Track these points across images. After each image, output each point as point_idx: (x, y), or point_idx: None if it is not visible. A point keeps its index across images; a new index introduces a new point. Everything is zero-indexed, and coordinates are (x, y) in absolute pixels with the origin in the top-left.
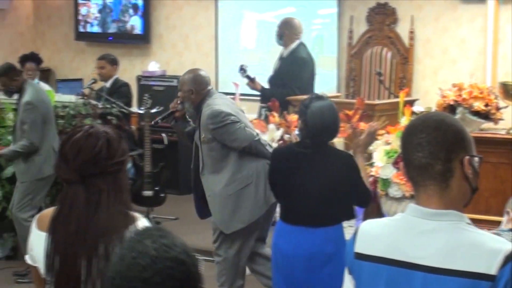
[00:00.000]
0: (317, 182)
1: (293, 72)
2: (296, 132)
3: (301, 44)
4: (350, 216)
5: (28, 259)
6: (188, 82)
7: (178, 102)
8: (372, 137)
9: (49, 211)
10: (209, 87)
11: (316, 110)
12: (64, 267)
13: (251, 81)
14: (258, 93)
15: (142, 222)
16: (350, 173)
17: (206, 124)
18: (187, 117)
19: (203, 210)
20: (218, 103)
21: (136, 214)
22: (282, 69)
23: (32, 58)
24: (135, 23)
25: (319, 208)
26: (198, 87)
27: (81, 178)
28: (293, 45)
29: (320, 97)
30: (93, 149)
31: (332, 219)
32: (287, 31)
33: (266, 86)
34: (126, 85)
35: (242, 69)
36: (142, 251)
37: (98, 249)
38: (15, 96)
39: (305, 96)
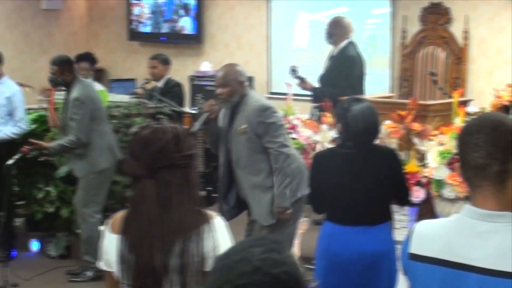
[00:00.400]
0: (365, 180)
1: (343, 71)
2: (335, 135)
3: (351, 43)
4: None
5: (102, 265)
6: (238, 74)
7: (214, 103)
8: None
9: (120, 214)
10: None
11: (357, 113)
12: (140, 264)
13: (302, 81)
14: (309, 93)
15: (218, 221)
16: (396, 167)
17: (253, 115)
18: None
19: (226, 211)
20: (262, 98)
21: (212, 212)
22: (332, 68)
23: (87, 57)
24: (185, 23)
25: (370, 206)
26: (245, 79)
27: (149, 172)
28: (343, 44)
29: (358, 100)
30: (160, 142)
31: (382, 216)
32: (337, 30)
33: (317, 85)
34: (178, 85)
35: (293, 70)
36: (246, 257)
37: (174, 246)
38: (61, 89)
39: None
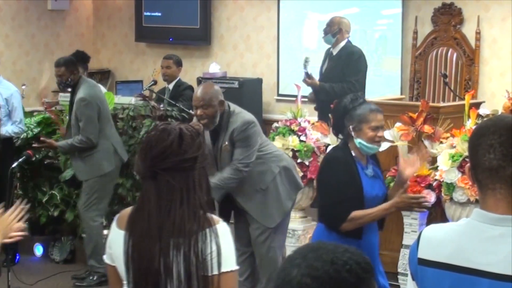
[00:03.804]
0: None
1: (351, 66)
2: None
3: (349, 41)
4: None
5: (105, 258)
6: (218, 94)
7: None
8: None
9: (127, 210)
10: None
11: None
12: (142, 264)
13: (309, 77)
14: (311, 90)
15: (221, 226)
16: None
17: (239, 130)
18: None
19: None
20: (240, 110)
21: (215, 217)
22: (336, 65)
23: (78, 57)
24: (193, 24)
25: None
26: (223, 97)
27: (152, 174)
28: (342, 43)
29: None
30: (162, 144)
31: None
32: (342, 27)
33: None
34: (190, 88)
35: (306, 62)
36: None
37: (175, 248)
38: (68, 91)
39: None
